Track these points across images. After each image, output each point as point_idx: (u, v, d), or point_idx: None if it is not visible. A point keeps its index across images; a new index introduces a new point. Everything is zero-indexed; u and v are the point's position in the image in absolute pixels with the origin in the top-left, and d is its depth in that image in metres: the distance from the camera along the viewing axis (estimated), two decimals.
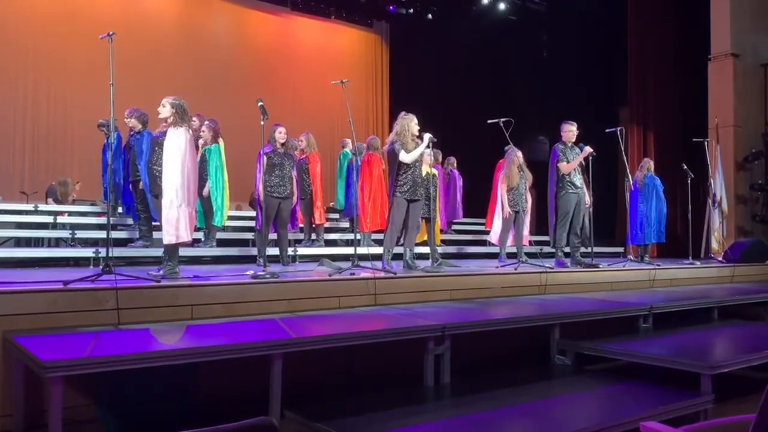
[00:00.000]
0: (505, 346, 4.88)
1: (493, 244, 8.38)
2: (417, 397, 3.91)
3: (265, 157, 6.25)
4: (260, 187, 6.24)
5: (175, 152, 4.61)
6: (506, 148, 7.67)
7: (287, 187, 6.38)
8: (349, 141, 9.40)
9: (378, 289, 5.02)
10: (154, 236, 6.96)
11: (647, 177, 8.64)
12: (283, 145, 6.42)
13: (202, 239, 7.47)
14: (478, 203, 10.83)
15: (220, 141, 7.36)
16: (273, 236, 6.66)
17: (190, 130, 4.77)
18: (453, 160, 10.46)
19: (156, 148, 5.42)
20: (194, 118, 7.50)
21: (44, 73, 12.15)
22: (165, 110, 4.78)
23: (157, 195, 4.93)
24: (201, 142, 7.25)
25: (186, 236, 4.67)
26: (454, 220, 10.53)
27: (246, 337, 3.63)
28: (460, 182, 10.32)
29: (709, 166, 9.79)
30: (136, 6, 13.48)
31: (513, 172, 7.62)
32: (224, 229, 7.96)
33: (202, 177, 7.01)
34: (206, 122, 7.38)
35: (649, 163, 8.91)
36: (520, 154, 7.67)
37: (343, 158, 9.46)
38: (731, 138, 10.70)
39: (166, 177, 4.63)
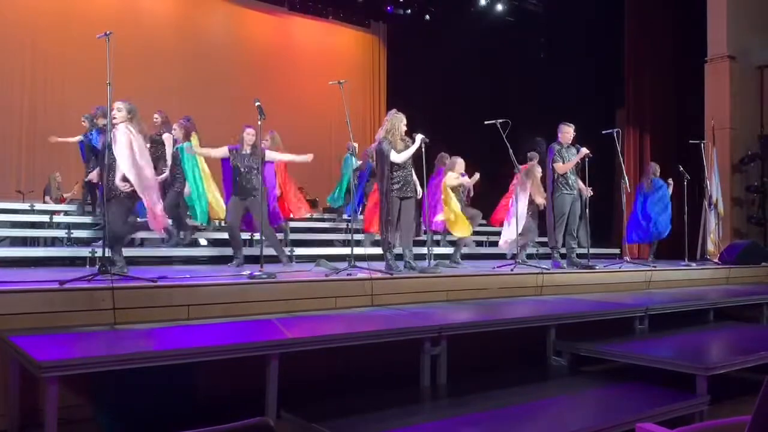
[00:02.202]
0: (501, 347, 4.88)
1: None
2: (413, 397, 3.91)
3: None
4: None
5: (124, 150, 4.78)
6: (529, 154, 7.92)
7: (250, 186, 6.38)
8: (356, 145, 9.45)
9: (375, 290, 5.02)
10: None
11: (654, 181, 9.06)
12: (252, 146, 6.41)
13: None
14: (476, 204, 10.80)
15: (193, 137, 7.31)
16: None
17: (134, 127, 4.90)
18: (447, 157, 10.44)
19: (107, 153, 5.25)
20: (156, 115, 7.51)
21: (41, 72, 12.13)
22: (122, 114, 4.90)
23: (110, 199, 4.93)
24: (166, 137, 7.29)
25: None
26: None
27: (242, 337, 3.63)
28: None
29: (705, 168, 9.81)
30: (133, 6, 13.47)
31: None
32: (215, 227, 7.97)
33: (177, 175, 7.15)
34: (180, 120, 7.34)
35: (656, 168, 9.10)
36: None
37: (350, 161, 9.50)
38: (727, 140, 10.73)
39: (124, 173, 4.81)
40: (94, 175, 7.47)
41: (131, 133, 4.84)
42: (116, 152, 4.80)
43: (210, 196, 7.30)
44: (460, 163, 7.95)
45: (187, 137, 7.23)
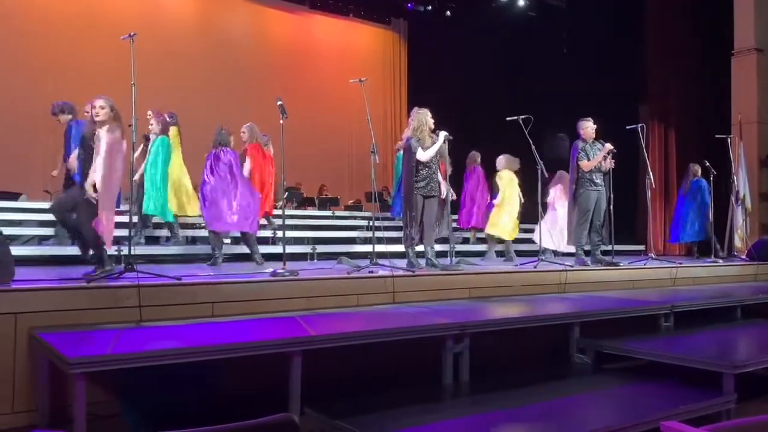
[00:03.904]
0: (524, 345, 4.86)
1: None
2: (436, 395, 3.91)
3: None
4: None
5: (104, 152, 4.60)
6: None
7: None
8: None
9: (396, 287, 5.02)
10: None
11: (693, 182, 9.31)
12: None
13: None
14: None
15: (172, 130, 7.36)
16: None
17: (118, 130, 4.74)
18: (477, 155, 10.39)
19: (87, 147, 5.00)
20: (150, 113, 7.55)
21: (67, 74, 12.32)
22: (105, 111, 4.70)
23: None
24: (152, 135, 7.36)
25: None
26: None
27: (265, 334, 3.66)
28: (484, 179, 10.24)
29: (732, 163, 9.65)
30: (155, 6, 13.62)
31: None
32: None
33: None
34: (162, 114, 7.38)
35: (695, 168, 9.38)
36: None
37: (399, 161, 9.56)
38: (755, 134, 10.52)
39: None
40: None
41: (115, 136, 4.65)
42: (97, 154, 4.57)
43: (171, 193, 7.32)
44: (498, 160, 8.41)
45: (164, 131, 7.26)
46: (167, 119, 7.37)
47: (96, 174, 4.55)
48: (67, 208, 4.94)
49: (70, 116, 7.01)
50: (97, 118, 4.72)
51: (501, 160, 8.43)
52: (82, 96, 12.53)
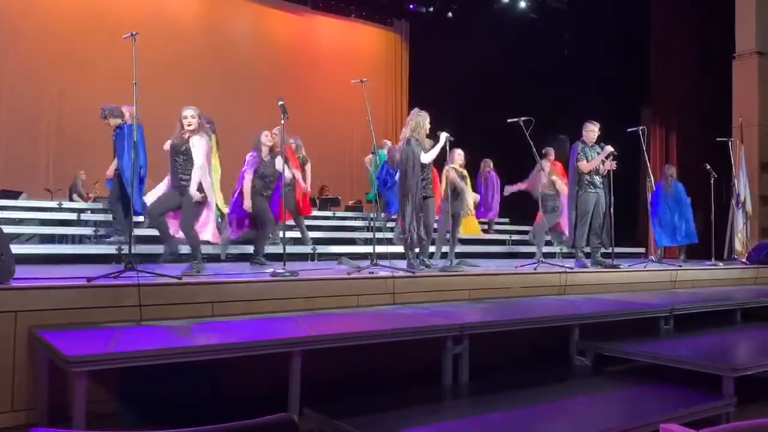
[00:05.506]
0: (523, 347, 4.86)
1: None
2: (435, 396, 3.91)
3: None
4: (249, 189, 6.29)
5: (202, 157, 5.05)
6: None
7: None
8: (389, 142, 9.41)
9: (396, 288, 5.03)
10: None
11: (673, 183, 9.11)
12: (271, 149, 6.41)
13: None
14: (506, 204, 10.73)
15: (211, 139, 7.38)
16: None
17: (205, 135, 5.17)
18: (490, 162, 10.39)
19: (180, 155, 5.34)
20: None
21: (69, 72, 12.34)
22: (195, 120, 5.12)
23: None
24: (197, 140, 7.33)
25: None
26: (494, 220, 10.53)
27: (265, 334, 3.66)
28: (498, 184, 10.21)
29: (733, 166, 9.65)
30: (158, 6, 13.63)
31: None
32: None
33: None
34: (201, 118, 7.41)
35: (672, 169, 9.30)
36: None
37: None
38: (756, 138, 10.54)
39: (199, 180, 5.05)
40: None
41: (209, 141, 5.14)
42: (196, 160, 5.05)
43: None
44: (459, 154, 7.79)
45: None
46: (204, 123, 7.36)
47: (198, 178, 5.04)
48: (166, 212, 5.27)
49: (120, 120, 7.05)
50: (189, 128, 5.11)
51: (461, 153, 7.90)
52: (84, 96, 12.61)
